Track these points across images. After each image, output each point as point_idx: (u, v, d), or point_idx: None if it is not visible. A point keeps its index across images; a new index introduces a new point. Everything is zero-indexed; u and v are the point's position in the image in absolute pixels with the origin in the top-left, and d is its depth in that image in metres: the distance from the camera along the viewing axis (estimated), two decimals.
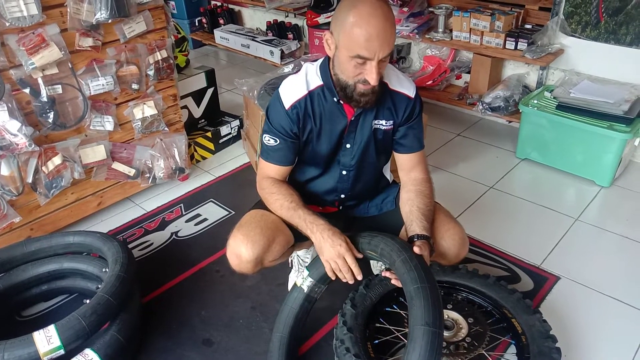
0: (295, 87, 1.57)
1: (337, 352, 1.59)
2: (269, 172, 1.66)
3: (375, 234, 1.53)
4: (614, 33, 2.70)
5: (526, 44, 2.84)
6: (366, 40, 1.35)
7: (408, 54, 3.64)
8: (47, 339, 1.48)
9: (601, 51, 2.77)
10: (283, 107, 1.55)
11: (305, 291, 1.65)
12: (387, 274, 1.49)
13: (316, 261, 1.65)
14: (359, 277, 1.49)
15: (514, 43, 2.89)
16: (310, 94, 1.55)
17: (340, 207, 1.82)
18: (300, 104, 1.55)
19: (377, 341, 1.71)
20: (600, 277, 2.06)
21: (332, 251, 1.48)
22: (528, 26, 2.99)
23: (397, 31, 3.18)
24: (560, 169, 2.76)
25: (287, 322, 1.67)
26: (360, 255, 1.52)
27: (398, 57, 3.56)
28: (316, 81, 1.56)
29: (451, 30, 3.12)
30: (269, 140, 1.61)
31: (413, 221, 1.55)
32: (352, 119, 1.57)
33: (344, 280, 1.51)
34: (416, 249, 1.42)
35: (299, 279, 1.67)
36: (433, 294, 1.29)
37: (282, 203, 1.59)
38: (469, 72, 3.30)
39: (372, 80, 1.41)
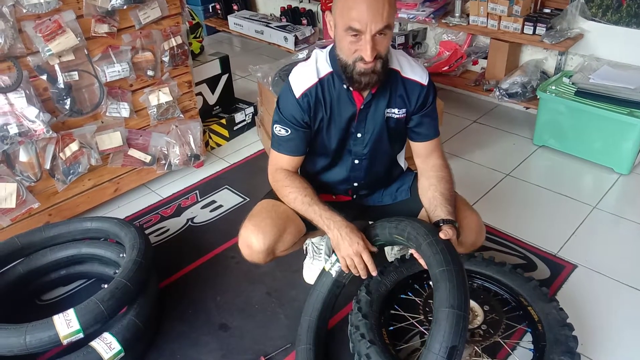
0: (305, 75, 1.54)
1: (352, 338, 1.59)
2: (281, 163, 1.65)
3: (402, 218, 1.52)
4: (637, 17, 2.63)
5: (545, 29, 2.79)
6: (357, 11, 1.32)
7: (424, 39, 3.60)
8: (66, 322, 1.51)
9: (622, 36, 2.71)
10: (294, 95, 1.53)
11: (333, 276, 1.66)
12: (416, 256, 1.49)
13: None
14: (374, 274, 1.51)
15: (532, 28, 2.83)
16: (321, 81, 1.53)
17: (354, 196, 1.81)
18: (311, 92, 1.53)
19: (392, 328, 1.71)
20: (618, 266, 2.03)
21: (349, 249, 1.49)
22: (547, 10, 2.92)
23: (412, 16, 3.16)
24: (578, 156, 2.72)
25: (316, 306, 1.69)
26: (375, 249, 1.52)
27: (414, 42, 3.53)
28: (326, 68, 1.53)
29: (468, 15, 3.07)
30: (279, 130, 1.59)
31: (437, 206, 1.53)
32: (362, 107, 1.55)
33: (357, 275, 1.53)
34: (442, 234, 1.41)
35: (328, 264, 1.67)
36: (459, 276, 1.28)
37: (296, 197, 1.58)
38: (485, 58, 3.25)
39: (367, 56, 1.37)
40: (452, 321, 1.21)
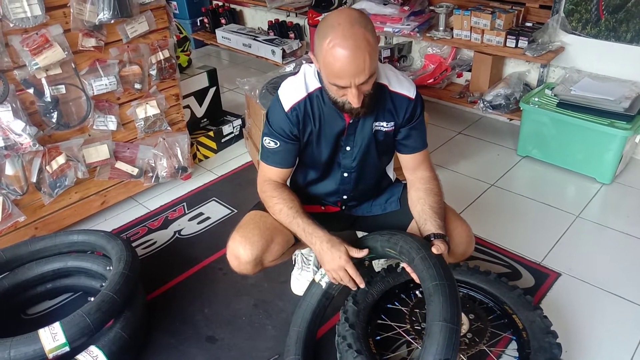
0: (294, 89, 1.56)
1: (339, 349, 1.60)
2: (270, 175, 1.66)
3: (394, 232, 1.55)
4: (615, 30, 2.70)
5: (527, 42, 2.85)
6: (339, 70, 1.34)
7: (409, 53, 3.65)
8: (52, 336, 1.50)
9: (602, 49, 2.77)
10: (283, 109, 1.55)
11: (323, 287, 1.68)
12: (408, 270, 1.50)
13: None
14: (362, 285, 1.53)
15: (514, 41, 2.89)
16: (310, 96, 1.55)
17: (343, 207, 1.82)
18: (300, 106, 1.55)
19: (378, 337, 1.72)
20: (601, 274, 2.07)
21: (333, 264, 1.51)
22: (529, 24, 2.99)
23: (398, 30, 3.22)
24: (561, 167, 2.77)
25: (305, 317, 1.70)
26: (362, 254, 1.53)
27: (399, 55, 3.57)
28: (315, 83, 1.55)
29: (452, 29, 3.13)
30: (269, 142, 1.61)
31: (427, 220, 1.55)
32: (351, 121, 1.57)
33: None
34: (434, 249, 1.43)
35: (317, 275, 1.69)
36: (451, 291, 1.31)
37: (281, 208, 1.59)
38: (470, 71, 3.30)
39: (354, 103, 1.41)
40: (445, 335, 1.23)
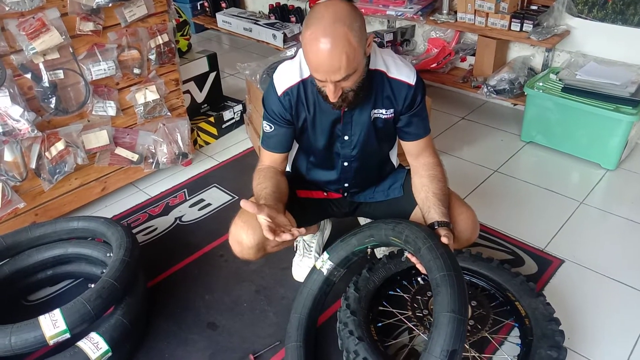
0: (288, 74, 1.54)
1: (341, 335, 1.60)
2: (265, 159, 1.67)
3: (399, 221, 1.53)
4: (622, 13, 2.65)
5: (532, 26, 2.80)
6: (315, 65, 1.34)
7: (412, 36, 3.60)
8: (52, 322, 1.50)
9: (608, 32, 2.73)
10: (276, 93, 1.54)
11: (324, 274, 1.67)
12: (413, 260, 1.48)
13: (336, 245, 1.66)
14: (274, 236, 1.42)
15: (519, 24, 2.84)
16: (304, 81, 1.53)
17: (345, 195, 1.81)
18: (293, 91, 1.53)
19: (380, 324, 1.72)
20: (605, 260, 2.05)
21: None
22: (534, 7, 2.94)
23: (400, 13, 3.17)
24: (565, 152, 2.74)
25: (306, 303, 1.69)
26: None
27: (402, 39, 3.53)
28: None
29: (456, 12, 3.08)
30: (265, 126, 1.61)
31: (431, 208, 1.53)
32: (346, 110, 1.54)
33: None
34: (444, 239, 1.42)
35: (319, 262, 1.68)
36: (459, 281, 1.30)
37: (255, 192, 1.60)
38: (473, 55, 3.26)
39: (330, 98, 1.41)
40: (453, 325, 1.23)
